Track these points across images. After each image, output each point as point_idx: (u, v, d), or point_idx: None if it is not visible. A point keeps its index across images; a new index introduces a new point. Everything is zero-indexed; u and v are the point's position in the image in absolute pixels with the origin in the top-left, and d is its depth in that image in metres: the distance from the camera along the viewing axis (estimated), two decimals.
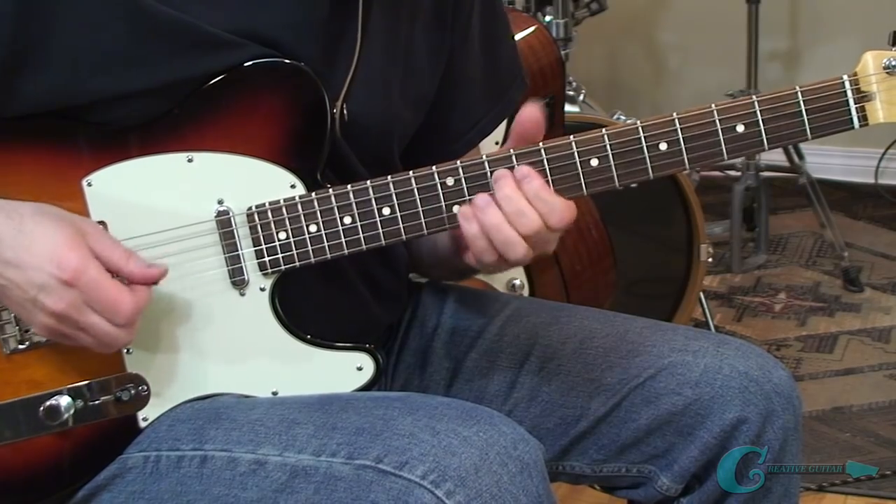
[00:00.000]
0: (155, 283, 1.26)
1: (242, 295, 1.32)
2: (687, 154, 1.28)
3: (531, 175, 1.27)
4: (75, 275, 1.20)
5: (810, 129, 1.29)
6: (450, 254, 1.41)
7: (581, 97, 2.94)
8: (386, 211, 1.30)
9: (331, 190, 1.30)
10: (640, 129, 1.28)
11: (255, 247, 1.31)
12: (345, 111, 1.35)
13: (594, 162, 1.29)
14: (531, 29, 2.57)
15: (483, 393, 1.51)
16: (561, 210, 1.27)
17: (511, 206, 1.26)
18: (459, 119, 1.53)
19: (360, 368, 1.35)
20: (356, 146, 1.38)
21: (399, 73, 1.42)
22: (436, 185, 1.29)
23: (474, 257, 1.30)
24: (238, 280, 1.32)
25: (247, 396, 1.34)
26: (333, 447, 1.24)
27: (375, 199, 1.30)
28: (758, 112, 1.28)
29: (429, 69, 1.47)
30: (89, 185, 1.29)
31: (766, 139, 1.28)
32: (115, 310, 1.22)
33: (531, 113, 1.29)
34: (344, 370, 1.35)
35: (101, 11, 1.26)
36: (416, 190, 1.30)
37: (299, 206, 1.30)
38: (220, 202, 1.30)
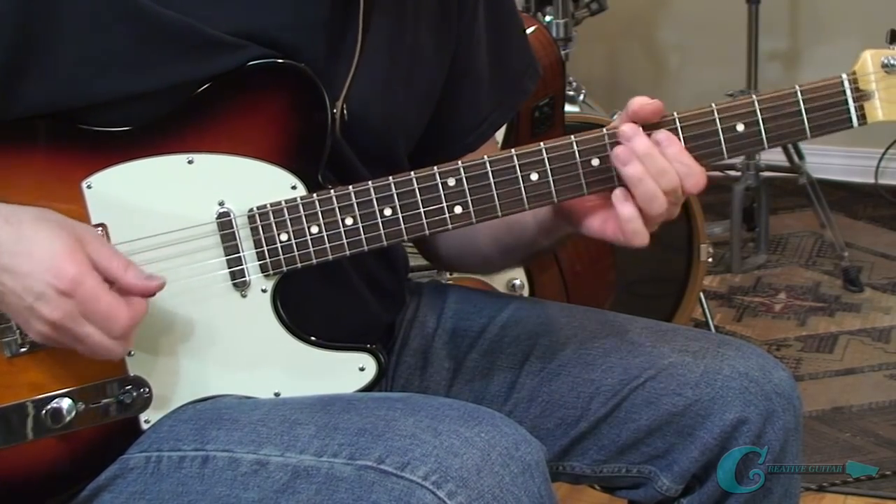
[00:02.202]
0: (152, 295, 1.25)
1: (244, 296, 1.32)
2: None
3: (671, 140, 1.27)
4: (72, 285, 1.20)
5: (810, 128, 1.29)
6: (533, 236, 1.42)
7: (581, 97, 2.94)
8: (387, 211, 1.30)
9: (332, 191, 1.30)
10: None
11: (256, 248, 1.31)
12: (345, 111, 1.35)
13: (595, 162, 1.29)
14: (531, 29, 2.56)
15: (483, 393, 1.51)
16: (698, 174, 1.27)
17: (653, 164, 1.26)
18: (469, 113, 1.53)
19: (362, 369, 1.35)
20: (357, 146, 1.38)
21: (403, 70, 1.42)
22: (437, 185, 1.29)
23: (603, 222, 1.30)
24: (239, 281, 1.32)
25: (249, 398, 1.34)
26: (335, 448, 1.24)
27: (377, 199, 1.30)
28: (758, 111, 1.28)
29: (435, 64, 1.46)
30: (89, 187, 1.29)
31: (766, 138, 1.29)
32: (110, 323, 1.22)
33: (643, 101, 1.28)
34: (346, 371, 1.35)
35: (104, 14, 1.26)
36: (417, 190, 1.29)
37: (301, 207, 1.30)
38: (221, 204, 1.30)
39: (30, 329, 1.24)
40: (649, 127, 1.28)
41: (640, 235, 1.29)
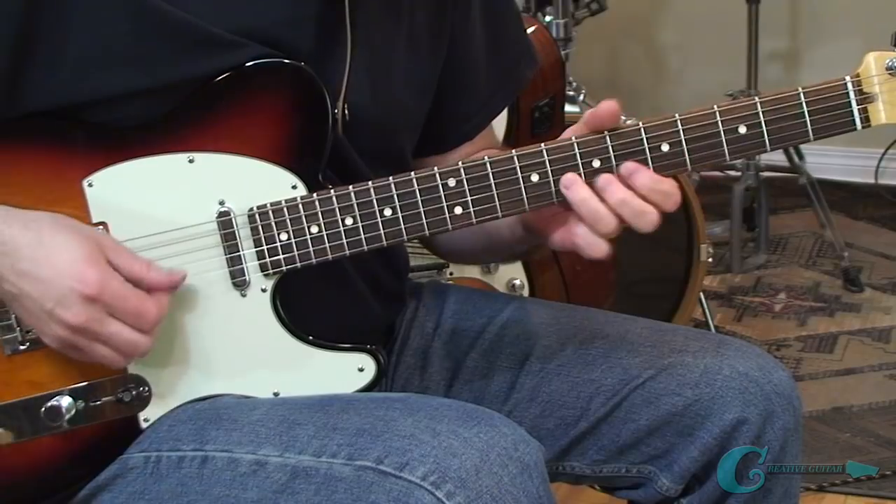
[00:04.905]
0: (176, 288, 1.27)
1: (244, 296, 1.32)
2: (689, 155, 1.28)
3: (639, 169, 1.27)
4: (97, 289, 1.21)
5: (812, 130, 1.28)
6: (518, 239, 1.41)
7: (581, 97, 2.93)
8: (387, 212, 1.30)
9: (332, 191, 1.30)
10: (642, 130, 1.28)
11: (256, 247, 1.31)
12: (346, 111, 1.35)
13: (596, 163, 1.29)
14: (531, 29, 2.56)
15: (483, 393, 1.51)
16: (675, 194, 1.27)
17: (628, 209, 1.26)
18: (467, 101, 1.53)
19: (361, 369, 1.35)
20: (358, 144, 1.38)
21: (400, 60, 1.42)
22: (437, 185, 1.29)
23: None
24: (239, 281, 1.32)
25: (248, 397, 1.34)
26: (334, 448, 1.24)
27: (377, 199, 1.29)
28: (760, 113, 1.27)
29: (431, 53, 1.46)
30: (90, 185, 1.29)
31: (769, 140, 1.28)
32: (140, 318, 1.23)
33: (609, 107, 1.27)
34: (345, 371, 1.35)
35: (107, 10, 1.26)
36: (417, 191, 1.29)
37: (301, 207, 1.30)
38: (222, 203, 1.30)
39: (46, 334, 1.24)
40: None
41: (596, 247, 1.28)
